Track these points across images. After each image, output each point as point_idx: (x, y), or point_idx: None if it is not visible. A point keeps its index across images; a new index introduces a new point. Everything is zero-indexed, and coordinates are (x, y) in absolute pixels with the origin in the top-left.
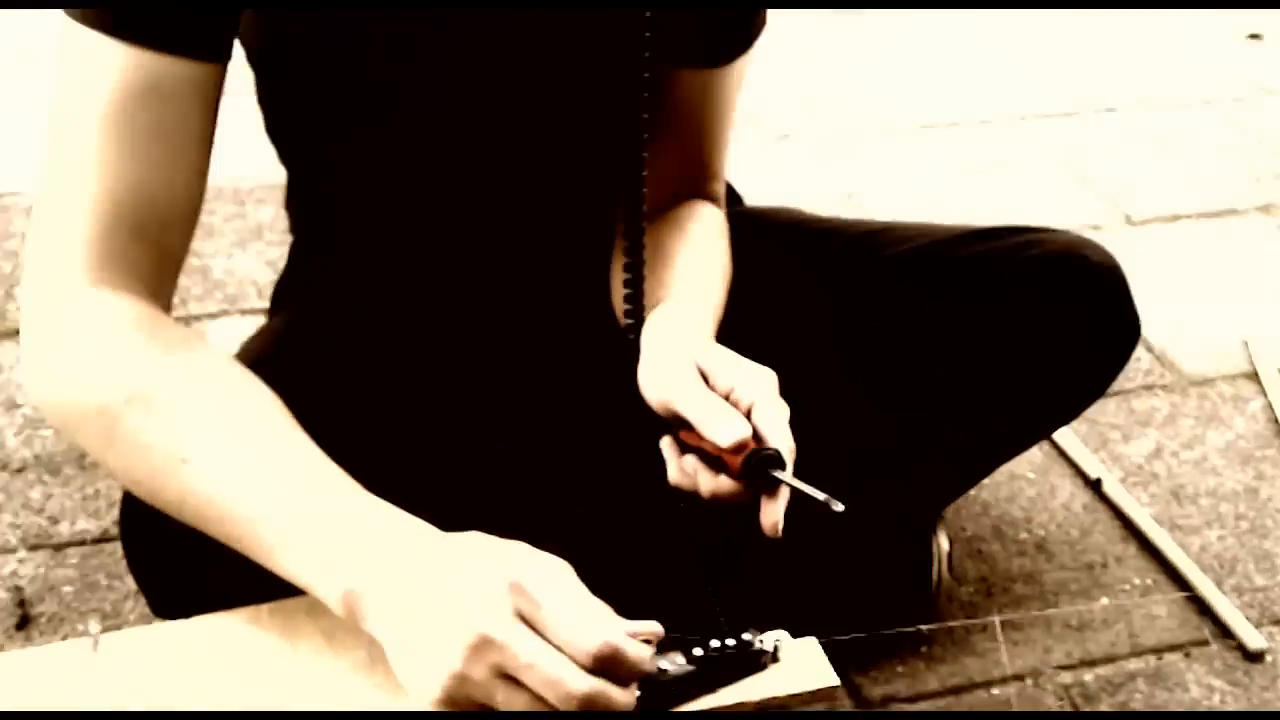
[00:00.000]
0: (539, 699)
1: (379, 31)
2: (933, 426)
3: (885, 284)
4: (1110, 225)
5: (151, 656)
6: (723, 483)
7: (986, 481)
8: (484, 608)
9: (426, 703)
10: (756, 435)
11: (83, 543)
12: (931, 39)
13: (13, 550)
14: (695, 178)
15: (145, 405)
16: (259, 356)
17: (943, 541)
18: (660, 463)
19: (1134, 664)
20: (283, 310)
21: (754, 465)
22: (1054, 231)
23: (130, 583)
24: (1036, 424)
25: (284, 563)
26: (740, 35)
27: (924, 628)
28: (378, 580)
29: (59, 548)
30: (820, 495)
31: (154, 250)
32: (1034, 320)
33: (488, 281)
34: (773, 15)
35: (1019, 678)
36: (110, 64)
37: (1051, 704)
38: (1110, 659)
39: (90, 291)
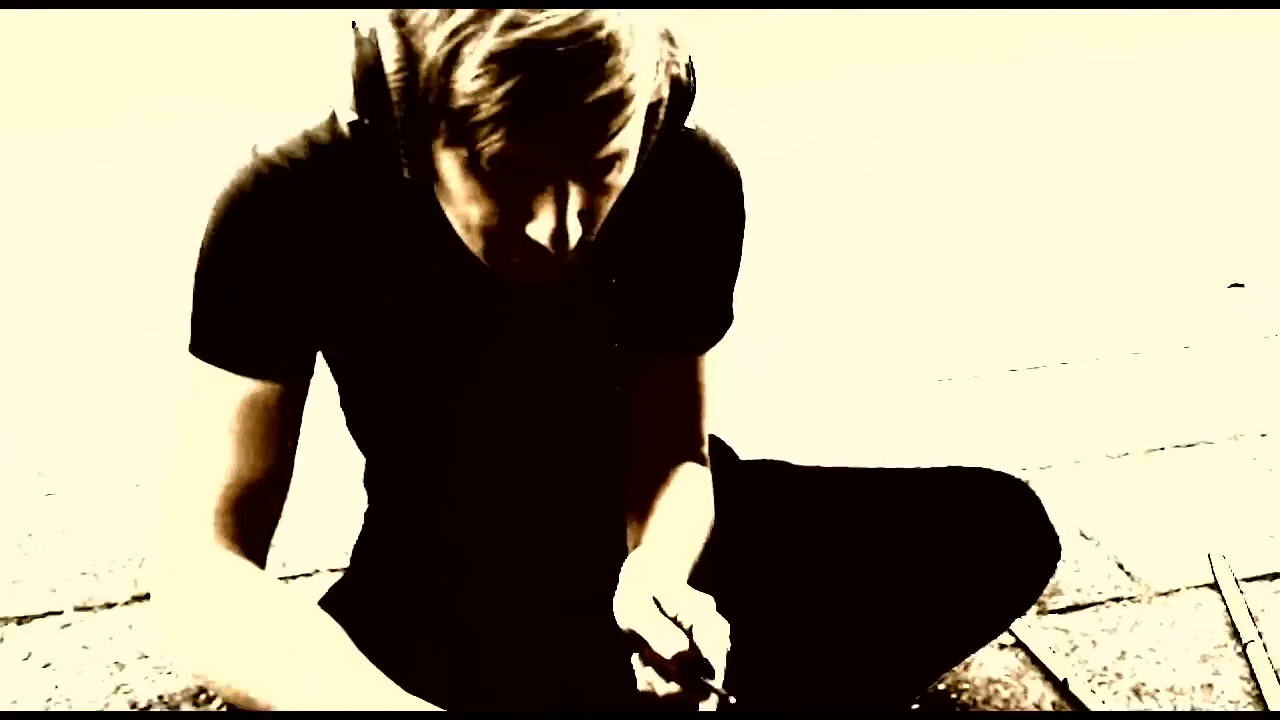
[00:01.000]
0: None
1: (422, 363)
2: (884, 629)
3: (844, 513)
4: (1090, 459)
5: None
6: (672, 687)
7: (966, 686)
8: None
9: None
10: (695, 648)
11: None
12: (916, 296)
13: None
14: (682, 444)
15: (245, 630)
16: (330, 595)
17: None
18: (632, 674)
19: None
20: (358, 563)
21: (684, 670)
22: (980, 468)
23: None
24: (976, 627)
25: None
26: (711, 327)
27: None
28: None
29: None
30: (724, 691)
31: (258, 516)
32: (966, 533)
33: (516, 530)
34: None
35: None
36: (223, 385)
37: None
38: None
39: (212, 549)
